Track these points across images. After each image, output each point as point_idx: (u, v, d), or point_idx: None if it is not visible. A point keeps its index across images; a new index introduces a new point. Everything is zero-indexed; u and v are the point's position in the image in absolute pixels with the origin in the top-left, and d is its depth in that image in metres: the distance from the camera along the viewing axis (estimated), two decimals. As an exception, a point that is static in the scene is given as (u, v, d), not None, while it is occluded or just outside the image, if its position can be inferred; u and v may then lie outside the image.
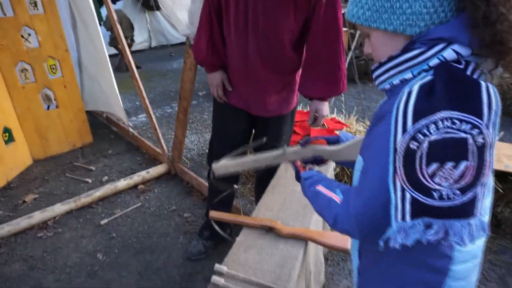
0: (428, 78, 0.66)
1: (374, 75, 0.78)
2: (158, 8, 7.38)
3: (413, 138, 0.62)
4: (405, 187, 0.64)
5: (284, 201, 1.63)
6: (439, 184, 0.62)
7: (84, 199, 2.52)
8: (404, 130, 0.63)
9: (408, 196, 0.64)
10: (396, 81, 0.73)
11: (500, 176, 2.11)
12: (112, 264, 2.03)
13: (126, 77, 5.91)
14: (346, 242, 1.39)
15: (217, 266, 1.24)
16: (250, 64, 1.63)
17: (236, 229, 2.23)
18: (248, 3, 1.51)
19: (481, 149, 0.61)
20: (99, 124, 3.92)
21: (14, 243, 2.20)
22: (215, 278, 1.20)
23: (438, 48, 0.68)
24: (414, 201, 0.64)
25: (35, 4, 2.85)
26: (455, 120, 0.61)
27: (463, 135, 0.60)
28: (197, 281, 1.90)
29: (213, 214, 1.59)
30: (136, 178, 2.75)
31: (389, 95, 0.77)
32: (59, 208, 2.42)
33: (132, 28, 6.31)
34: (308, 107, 2.02)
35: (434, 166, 0.62)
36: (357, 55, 5.15)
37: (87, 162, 3.15)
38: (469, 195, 0.62)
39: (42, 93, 3.06)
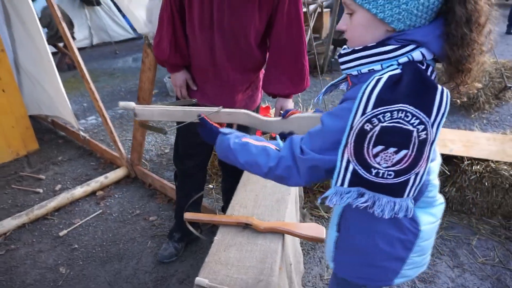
0: (398, 71, 0.73)
1: (342, 59, 0.83)
2: (98, 3, 7.00)
3: (369, 120, 0.71)
4: (350, 159, 0.75)
5: (257, 197, 1.65)
6: (379, 164, 0.73)
7: (38, 210, 2.34)
8: (364, 112, 0.72)
9: (351, 167, 0.76)
10: (365, 70, 0.79)
11: (446, 159, 2.31)
12: (78, 277, 1.93)
13: (69, 77, 5.57)
14: (321, 231, 1.45)
15: (197, 279, 1.21)
16: (217, 63, 1.62)
17: (204, 228, 2.23)
18: (213, 1, 1.50)
19: (422, 143, 0.71)
20: (45, 129, 3.66)
21: (-39, 265, 2.00)
22: None
23: (409, 48, 0.75)
24: (354, 172, 0.76)
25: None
26: (408, 114, 0.70)
27: (411, 128, 0.70)
28: (171, 285, 1.87)
29: (188, 215, 1.58)
30: (94, 184, 2.61)
31: (354, 81, 0.84)
32: (9, 223, 2.24)
33: (72, 24, 5.93)
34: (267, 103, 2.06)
35: (379, 148, 0.72)
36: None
37: (35, 171, 2.93)
38: (401, 179, 0.74)
39: (-23, 98, 2.79)
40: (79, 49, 7.05)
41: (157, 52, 1.68)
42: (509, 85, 3.87)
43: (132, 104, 1.18)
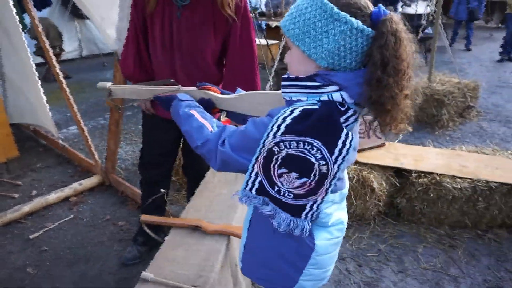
0: (314, 107, 0.81)
1: (282, 83, 0.93)
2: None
3: (277, 144, 0.81)
4: (259, 172, 0.85)
5: (211, 203, 1.80)
6: (281, 183, 0.83)
7: (11, 214, 2.46)
8: (274, 136, 0.82)
9: (259, 179, 0.86)
10: (294, 97, 0.87)
11: (397, 172, 2.49)
12: (44, 277, 2.04)
13: (56, 88, 5.68)
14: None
15: (143, 274, 1.33)
16: (177, 79, 1.79)
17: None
18: (173, 24, 1.67)
19: (323, 176, 0.81)
20: (26, 137, 3.78)
21: None
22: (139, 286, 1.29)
23: (331, 88, 0.82)
24: (261, 184, 0.86)
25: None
26: (314, 147, 0.78)
27: (313, 160, 0.79)
28: (133, 285, 1.98)
29: (144, 217, 1.71)
30: (68, 190, 2.74)
31: (286, 104, 0.93)
32: (-17, 226, 2.35)
33: (60, 37, 6.09)
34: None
35: (283, 170, 0.82)
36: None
37: (13, 177, 3.04)
38: (299, 202, 0.84)
39: (-41, 106, 2.91)
40: (69, 60, 7.22)
41: (123, 68, 1.84)
42: (472, 104, 4.11)
43: (108, 84, 1.33)
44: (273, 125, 0.81)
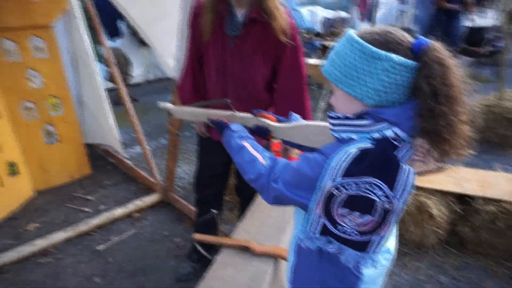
0: (368, 145, 0.82)
1: (330, 121, 0.94)
2: (154, 44, 7.77)
3: (337, 187, 0.81)
4: (321, 214, 0.85)
5: (261, 225, 1.84)
6: (345, 223, 0.83)
7: (82, 227, 2.71)
8: (333, 179, 0.81)
9: (321, 221, 0.86)
10: (345, 136, 0.88)
11: (459, 198, 2.33)
12: (108, 286, 2.21)
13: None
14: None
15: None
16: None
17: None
18: (226, 52, 1.79)
19: (386, 212, 0.80)
20: (98, 156, 4.15)
21: (18, 269, 2.38)
22: None
23: (382, 126, 0.82)
24: (324, 225, 0.85)
25: (41, 50, 3.15)
26: (373, 185, 0.78)
27: (375, 197, 0.78)
28: (186, 300, 2.07)
29: (197, 236, 1.80)
30: (131, 206, 2.95)
31: (336, 140, 0.94)
32: (59, 236, 2.61)
33: (129, 63, 6.67)
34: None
35: (345, 210, 0.82)
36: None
37: (85, 192, 3.35)
38: (364, 238, 0.83)
39: (44, 129, 3.31)
40: (136, 85, 7.85)
41: (180, 93, 1.99)
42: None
43: (168, 104, 1.47)
44: (330, 169, 0.82)
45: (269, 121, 1.21)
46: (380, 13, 8.32)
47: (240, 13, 1.72)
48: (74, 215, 2.99)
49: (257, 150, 1.06)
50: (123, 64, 6.44)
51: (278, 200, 0.96)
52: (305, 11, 8.79)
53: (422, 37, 0.82)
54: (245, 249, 1.65)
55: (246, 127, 1.23)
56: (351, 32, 0.86)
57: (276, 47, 1.76)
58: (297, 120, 1.21)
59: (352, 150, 0.82)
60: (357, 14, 9.09)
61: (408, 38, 0.84)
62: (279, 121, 1.21)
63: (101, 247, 2.55)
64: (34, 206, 3.13)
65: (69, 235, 2.65)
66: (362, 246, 0.84)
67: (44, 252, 2.51)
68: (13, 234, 2.75)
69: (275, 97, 1.91)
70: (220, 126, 1.23)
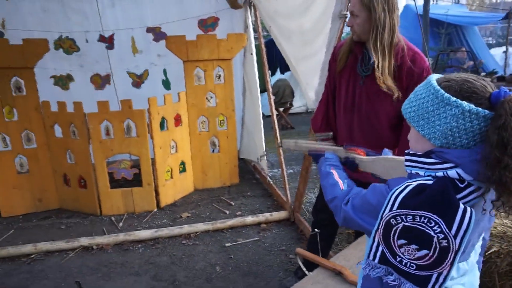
0: (428, 182, 0.87)
1: (405, 157, 1.01)
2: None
3: (394, 217, 0.88)
4: (380, 242, 0.91)
5: (362, 256, 1.85)
6: (402, 254, 0.87)
7: (219, 224, 3.21)
8: (391, 209, 0.87)
9: (380, 248, 0.92)
10: (413, 171, 0.95)
11: None
12: (225, 277, 2.57)
13: (284, 134, 6.88)
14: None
15: None
16: (353, 138, 2.00)
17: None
18: (356, 90, 1.93)
19: (444, 250, 0.82)
20: (247, 170, 4.77)
21: (167, 243, 3.02)
22: None
23: (446, 165, 0.86)
24: (383, 253, 0.91)
25: (219, 77, 3.95)
26: (431, 220, 0.81)
27: (431, 233, 0.82)
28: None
29: (299, 250, 1.96)
30: (261, 217, 3.31)
31: (407, 176, 1.00)
32: (200, 227, 3.18)
33: (292, 94, 7.35)
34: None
35: (402, 241, 0.87)
36: None
37: (230, 198, 3.92)
38: (423, 273, 0.85)
39: (210, 140, 4.08)
40: (297, 113, 8.53)
41: (313, 124, 2.22)
42: None
43: (283, 140, 1.65)
44: (389, 199, 0.88)
45: (357, 154, 1.30)
46: None
47: (373, 56, 1.85)
48: (216, 213, 3.55)
49: (341, 177, 1.19)
50: (288, 94, 7.15)
51: (346, 221, 1.06)
52: (499, 51, 7.69)
53: (505, 89, 0.82)
54: (338, 274, 1.72)
55: (338, 158, 1.35)
56: (432, 77, 0.93)
57: (407, 89, 1.79)
58: (385, 155, 1.28)
59: (411, 184, 0.88)
60: None
61: (489, 88, 0.86)
62: (367, 155, 1.29)
63: (228, 244, 2.97)
64: (191, 200, 3.87)
65: (208, 228, 3.18)
66: (421, 282, 0.86)
67: (187, 236, 3.10)
68: (172, 218, 3.49)
69: (401, 138, 1.91)
70: (317, 155, 1.40)
